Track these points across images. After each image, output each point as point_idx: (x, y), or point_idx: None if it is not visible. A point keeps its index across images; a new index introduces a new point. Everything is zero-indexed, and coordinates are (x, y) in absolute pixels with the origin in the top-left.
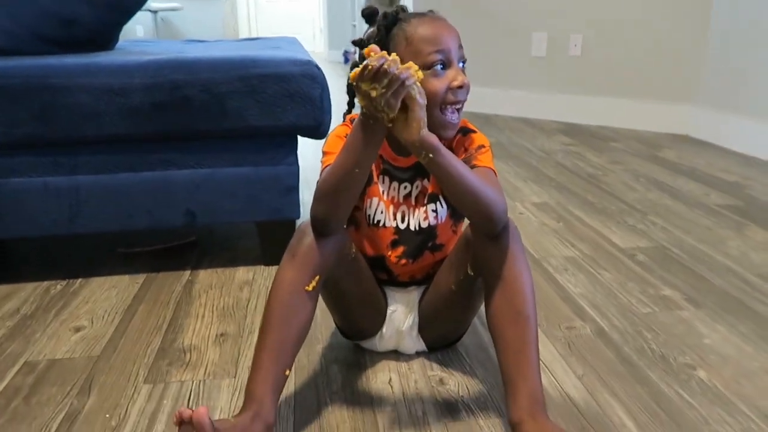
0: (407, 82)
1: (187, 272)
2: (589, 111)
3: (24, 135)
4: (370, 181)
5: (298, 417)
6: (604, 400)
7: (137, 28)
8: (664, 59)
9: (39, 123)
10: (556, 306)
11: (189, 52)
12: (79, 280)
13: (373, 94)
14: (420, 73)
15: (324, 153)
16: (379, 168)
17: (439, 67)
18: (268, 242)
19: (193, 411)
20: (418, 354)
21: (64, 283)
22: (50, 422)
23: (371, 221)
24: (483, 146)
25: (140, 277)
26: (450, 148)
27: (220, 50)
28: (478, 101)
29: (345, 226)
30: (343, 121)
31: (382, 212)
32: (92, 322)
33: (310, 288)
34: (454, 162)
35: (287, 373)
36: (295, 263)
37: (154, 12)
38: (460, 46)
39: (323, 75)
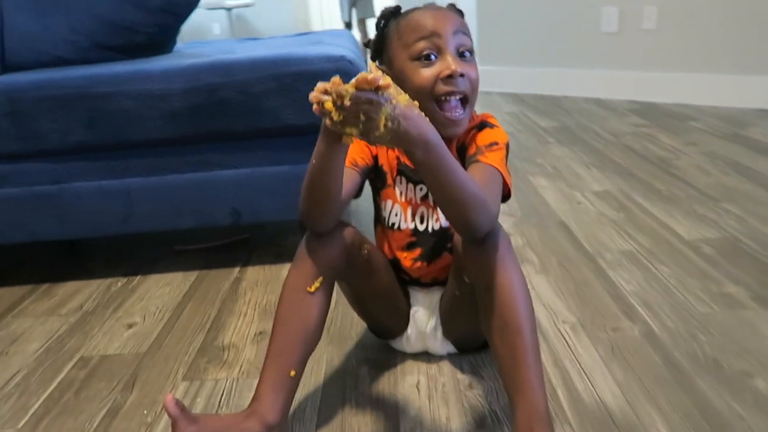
0: (375, 114)
1: (237, 269)
2: (666, 88)
3: (77, 142)
4: (384, 184)
5: (321, 417)
6: (644, 409)
7: (214, 26)
8: (749, 28)
9: (89, 130)
10: (604, 305)
11: (235, 53)
12: (138, 277)
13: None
14: (402, 97)
15: None
16: (395, 169)
17: (427, 56)
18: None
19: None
20: (450, 356)
21: (124, 280)
22: (94, 417)
23: (387, 223)
24: (496, 143)
25: (193, 274)
26: (462, 145)
27: (264, 48)
28: (545, 82)
29: (353, 226)
30: None
31: (397, 215)
32: (144, 319)
33: (312, 289)
34: (435, 162)
35: (292, 374)
36: (296, 265)
37: (229, 9)
38: (463, 33)
39: (359, 70)
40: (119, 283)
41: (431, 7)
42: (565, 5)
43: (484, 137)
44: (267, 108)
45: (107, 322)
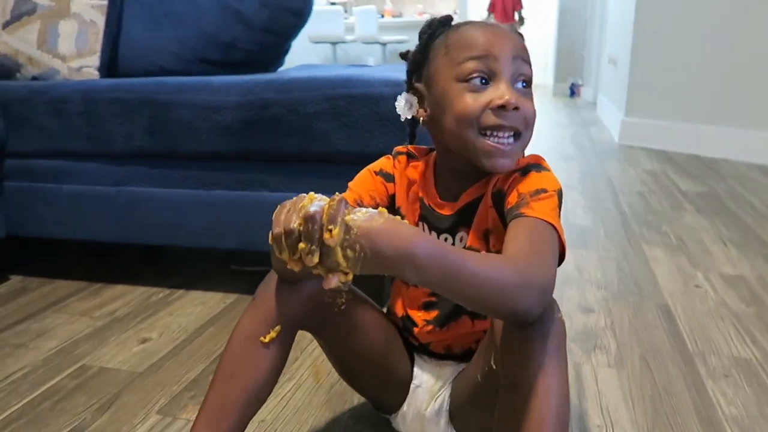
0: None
1: None
2: None
3: (138, 147)
4: None
5: None
6: None
7: (368, 59)
8: None
9: (149, 136)
10: (685, 428)
11: (319, 73)
12: (181, 290)
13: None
14: (359, 214)
15: (347, 188)
16: (417, 214)
17: (478, 80)
18: None
19: None
20: None
21: (167, 292)
22: None
23: None
24: (544, 190)
25: (231, 297)
26: (499, 191)
27: (349, 72)
28: (700, 141)
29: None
30: (391, 153)
31: None
32: (160, 336)
33: (266, 339)
34: (437, 275)
35: None
36: (252, 310)
37: (384, 44)
38: (523, 60)
39: None
40: (161, 294)
41: (489, 24)
42: (737, 56)
43: (528, 183)
44: (317, 130)
45: (127, 332)
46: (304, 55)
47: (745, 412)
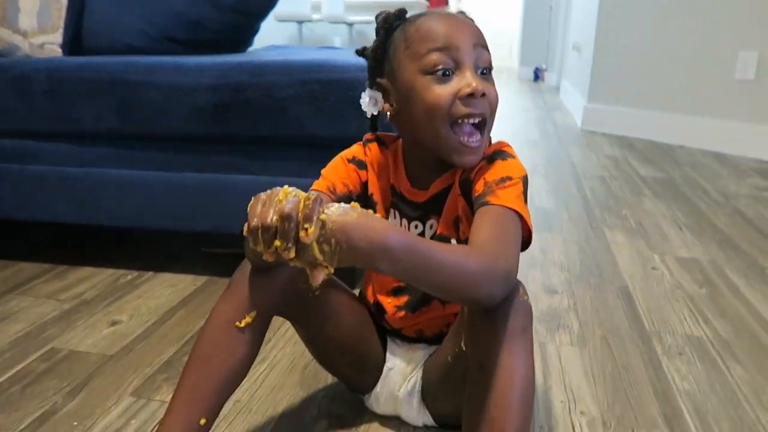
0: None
1: None
2: None
3: (106, 128)
4: None
5: None
6: None
7: (335, 39)
8: None
9: (118, 117)
10: (642, 402)
11: (293, 56)
12: (150, 273)
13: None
14: (332, 208)
15: (320, 175)
16: (388, 200)
17: (443, 71)
18: None
19: None
20: (427, 429)
21: (136, 274)
22: (25, 418)
23: None
24: (509, 177)
25: (202, 279)
26: (467, 180)
27: (324, 54)
28: (659, 128)
29: None
30: (361, 140)
31: None
32: (130, 319)
33: (241, 324)
34: (409, 266)
35: (203, 422)
36: (228, 295)
37: (350, 24)
38: (482, 47)
39: None
40: (129, 277)
41: (444, 14)
42: (697, 46)
43: (494, 171)
44: (292, 114)
45: (96, 315)
46: (269, 34)
47: (696, 387)
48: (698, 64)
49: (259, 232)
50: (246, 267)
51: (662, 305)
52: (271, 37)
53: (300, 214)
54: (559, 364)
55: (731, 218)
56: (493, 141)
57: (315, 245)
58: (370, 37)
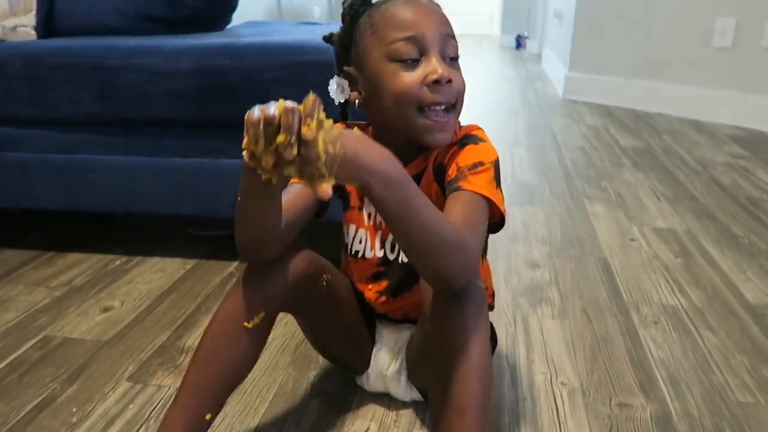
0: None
1: (234, 264)
2: None
3: (87, 113)
4: (348, 206)
5: None
6: None
7: (314, 9)
8: None
9: (98, 102)
10: (619, 371)
11: (272, 36)
12: (138, 257)
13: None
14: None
15: None
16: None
17: (408, 58)
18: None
19: None
20: (415, 403)
21: (124, 259)
22: (25, 405)
23: (349, 251)
24: (481, 163)
25: (190, 263)
26: (440, 165)
27: (304, 33)
28: (639, 96)
29: (309, 251)
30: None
31: (361, 242)
32: (122, 304)
33: (249, 325)
34: (399, 199)
35: (208, 417)
36: (237, 294)
37: None
38: (449, 35)
39: None
40: (117, 262)
41: (417, 1)
42: (674, 13)
43: (466, 156)
44: (274, 97)
45: (87, 302)
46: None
47: (671, 355)
48: (677, 31)
49: (261, 125)
50: (251, 266)
51: (640, 276)
52: (250, 9)
53: (302, 109)
54: (541, 337)
55: (707, 187)
56: (469, 121)
57: (320, 141)
58: None
